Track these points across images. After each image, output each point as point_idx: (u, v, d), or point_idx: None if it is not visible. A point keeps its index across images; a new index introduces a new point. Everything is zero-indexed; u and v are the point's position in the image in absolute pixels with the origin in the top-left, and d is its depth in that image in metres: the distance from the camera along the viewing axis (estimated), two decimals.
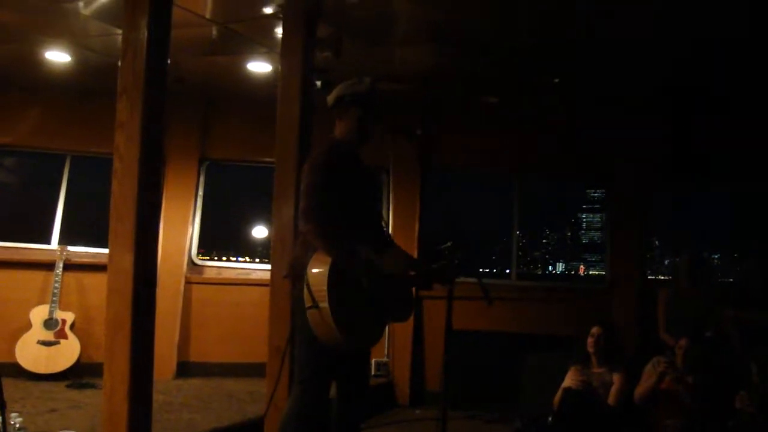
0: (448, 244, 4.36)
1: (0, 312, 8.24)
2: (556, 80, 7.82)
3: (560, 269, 25.62)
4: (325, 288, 3.83)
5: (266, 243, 10.62)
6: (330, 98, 4.44)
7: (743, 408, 5.86)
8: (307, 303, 3.90)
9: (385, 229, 4.67)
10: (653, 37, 6.58)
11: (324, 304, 3.83)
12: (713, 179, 9.29)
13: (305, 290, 3.91)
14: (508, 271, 9.65)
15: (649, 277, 9.79)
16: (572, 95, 8.27)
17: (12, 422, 4.85)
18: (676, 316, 7.46)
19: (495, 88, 8.33)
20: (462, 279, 4.25)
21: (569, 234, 26.58)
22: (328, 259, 3.89)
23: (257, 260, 10.96)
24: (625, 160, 8.91)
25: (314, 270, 3.92)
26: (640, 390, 6.43)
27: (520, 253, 9.81)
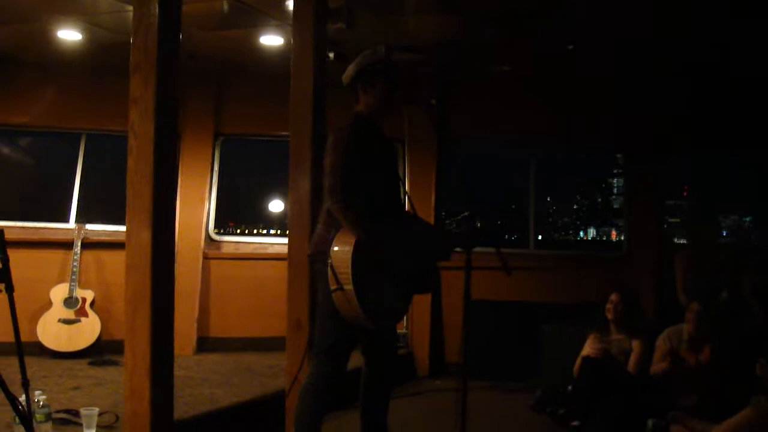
0: (465, 214, 4.35)
1: (20, 291, 8.23)
2: (570, 47, 7.76)
3: (591, 235, 25.52)
4: (350, 270, 3.84)
5: (283, 216, 10.64)
6: (347, 74, 4.42)
7: (764, 375, 5.81)
8: (332, 285, 3.92)
9: (405, 201, 4.67)
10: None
11: (349, 287, 3.85)
12: (734, 146, 9.19)
13: (329, 272, 3.92)
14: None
15: (677, 242, 9.71)
16: (588, 61, 8.20)
17: (36, 400, 4.88)
18: (695, 278, 7.42)
19: (510, 56, 8.27)
20: (480, 249, 4.23)
21: (600, 200, 26.41)
22: (352, 239, 3.89)
23: (275, 232, 10.98)
24: (642, 126, 8.84)
25: (338, 251, 3.93)
26: (654, 369, 6.41)
27: (550, 219, 9.79)
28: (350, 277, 3.84)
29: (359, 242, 3.90)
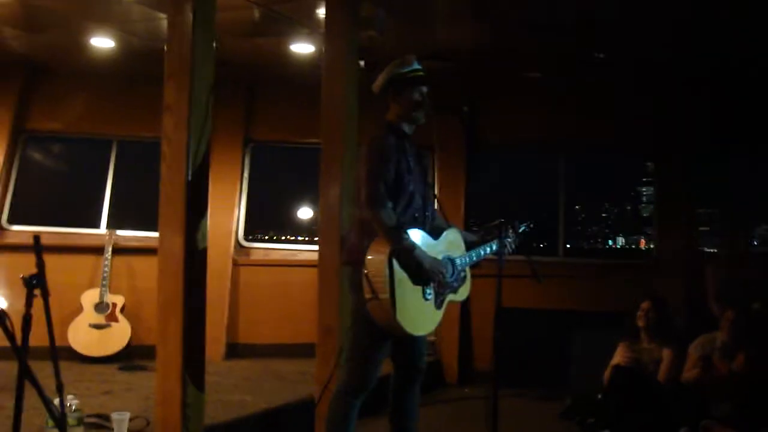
0: (496, 222, 4.35)
1: (52, 296, 8.28)
2: (601, 55, 7.73)
3: (620, 243, 25.24)
4: (385, 279, 3.84)
5: (311, 224, 10.68)
6: (378, 83, 4.43)
7: None
8: (367, 294, 3.92)
9: (436, 209, 4.68)
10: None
11: (384, 296, 3.85)
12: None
13: (364, 281, 3.92)
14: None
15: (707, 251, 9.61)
16: (617, 68, 8.17)
17: (68, 404, 4.91)
18: (726, 287, 7.36)
19: (539, 64, 8.26)
20: (510, 257, 4.23)
21: (629, 208, 26.10)
22: (387, 249, 3.89)
23: (303, 238, 11.00)
24: (670, 132, 8.79)
25: (373, 260, 3.93)
26: (686, 376, 6.35)
27: (579, 227, 9.75)
28: (386, 286, 3.85)
29: (395, 251, 3.90)
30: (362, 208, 4.11)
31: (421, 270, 4.01)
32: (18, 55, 8.29)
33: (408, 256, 3.95)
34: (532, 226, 4.51)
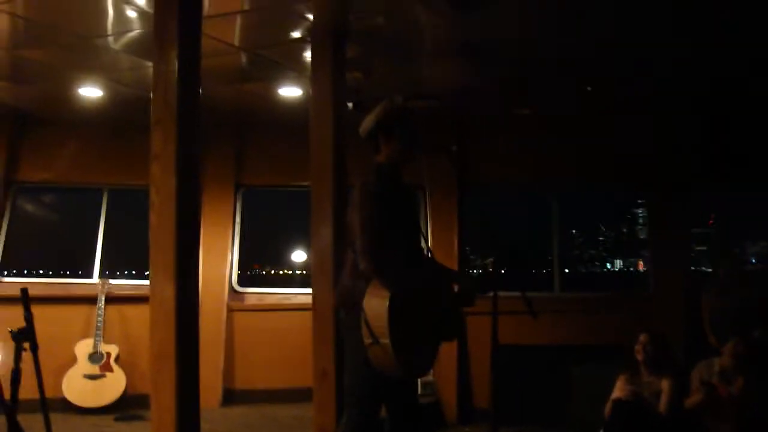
0: (490, 259, 4.31)
1: (45, 347, 8.22)
2: (589, 88, 7.75)
3: (618, 266, 25.30)
4: (386, 324, 3.78)
5: (306, 264, 10.66)
6: (366, 125, 4.39)
7: None
8: (367, 339, 3.86)
9: (426, 248, 4.65)
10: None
11: (385, 340, 3.78)
12: (754, 179, 9.10)
13: (363, 326, 3.86)
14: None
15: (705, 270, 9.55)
16: (605, 102, 8.18)
17: None
18: (722, 318, 7.32)
19: (527, 99, 8.27)
20: (506, 293, 4.20)
21: (625, 230, 26.19)
22: (386, 293, 3.83)
23: (299, 273, 10.97)
24: (663, 164, 8.80)
25: (372, 304, 3.87)
26: (689, 402, 6.29)
27: (577, 251, 9.71)
28: (387, 330, 3.78)
29: (394, 295, 3.83)
30: (358, 255, 4.05)
31: (421, 313, 3.98)
32: (6, 106, 8.31)
33: (406, 300, 3.91)
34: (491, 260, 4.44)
